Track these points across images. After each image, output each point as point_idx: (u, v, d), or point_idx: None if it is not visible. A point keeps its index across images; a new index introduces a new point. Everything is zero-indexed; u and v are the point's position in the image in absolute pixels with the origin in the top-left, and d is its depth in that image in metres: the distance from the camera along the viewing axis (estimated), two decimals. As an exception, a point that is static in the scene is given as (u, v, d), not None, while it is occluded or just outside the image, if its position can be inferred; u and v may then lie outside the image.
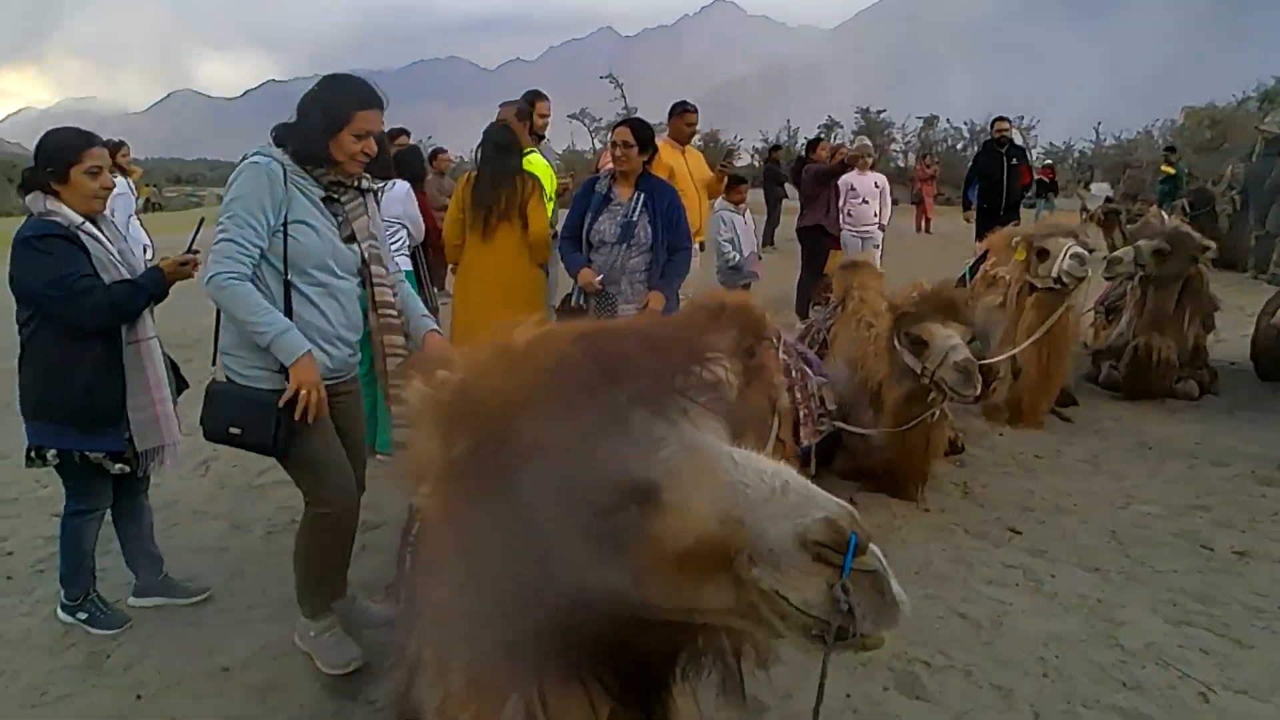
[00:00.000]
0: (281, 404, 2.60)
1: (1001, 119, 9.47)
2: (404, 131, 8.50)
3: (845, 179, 8.56)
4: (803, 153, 12.11)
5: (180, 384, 3.36)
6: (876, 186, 8.64)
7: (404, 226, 4.91)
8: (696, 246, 6.04)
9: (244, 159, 2.69)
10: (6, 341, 3.28)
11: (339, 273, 2.78)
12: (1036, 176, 20.24)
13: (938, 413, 4.08)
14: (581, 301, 4.38)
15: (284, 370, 2.64)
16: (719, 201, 7.23)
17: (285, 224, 2.64)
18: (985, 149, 9.60)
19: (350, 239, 2.81)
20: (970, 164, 10.80)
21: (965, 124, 35.83)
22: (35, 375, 2.96)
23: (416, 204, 5.12)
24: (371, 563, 3.58)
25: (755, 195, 12.33)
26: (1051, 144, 36.15)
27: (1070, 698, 2.76)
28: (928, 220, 20.33)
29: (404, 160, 5.68)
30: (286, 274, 2.68)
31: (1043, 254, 5.24)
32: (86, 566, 3.24)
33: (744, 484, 1.14)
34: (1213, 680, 2.83)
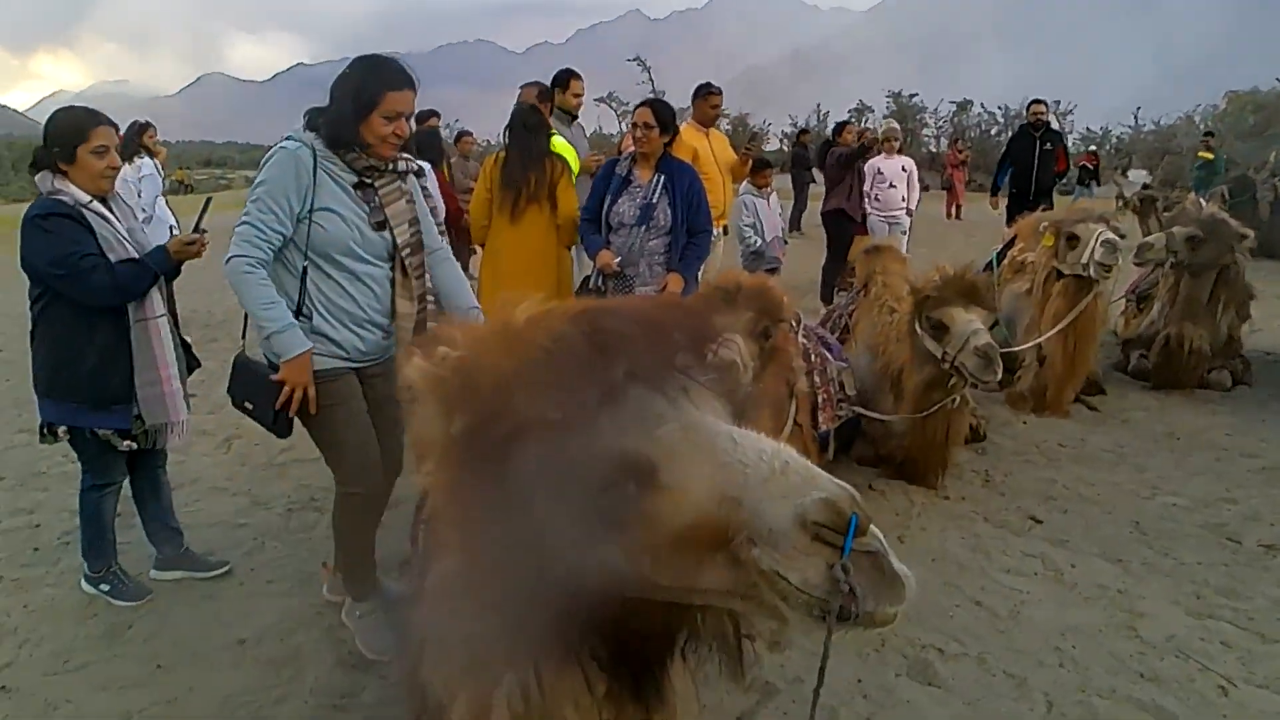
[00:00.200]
0: (278, 405, 2.64)
1: (1037, 102, 9.23)
2: (434, 113, 8.47)
3: (872, 163, 8.44)
4: (830, 136, 11.97)
5: (191, 362, 3.38)
6: (904, 170, 8.50)
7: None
8: (719, 231, 6.01)
9: (278, 144, 2.69)
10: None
11: (367, 258, 2.75)
12: (1079, 163, 19.89)
13: (958, 399, 4.02)
14: (600, 283, 4.36)
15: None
16: (744, 185, 7.17)
17: (311, 211, 2.64)
18: (1020, 133, 9.38)
19: (382, 225, 2.76)
20: (1004, 148, 10.59)
21: (999, 109, 35.25)
22: (46, 353, 3.00)
23: (436, 184, 5.12)
24: (390, 540, 3.60)
25: (783, 180, 12.25)
26: (1088, 129, 35.47)
27: (1086, 688, 2.73)
28: (958, 207, 20.02)
29: (422, 143, 5.68)
30: (305, 261, 2.69)
31: (1072, 240, 5.13)
32: (107, 539, 3.30)
33: (743, 463, 1.13)
34: (1233, 674, 2.78)
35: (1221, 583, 3.39)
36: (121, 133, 7.16)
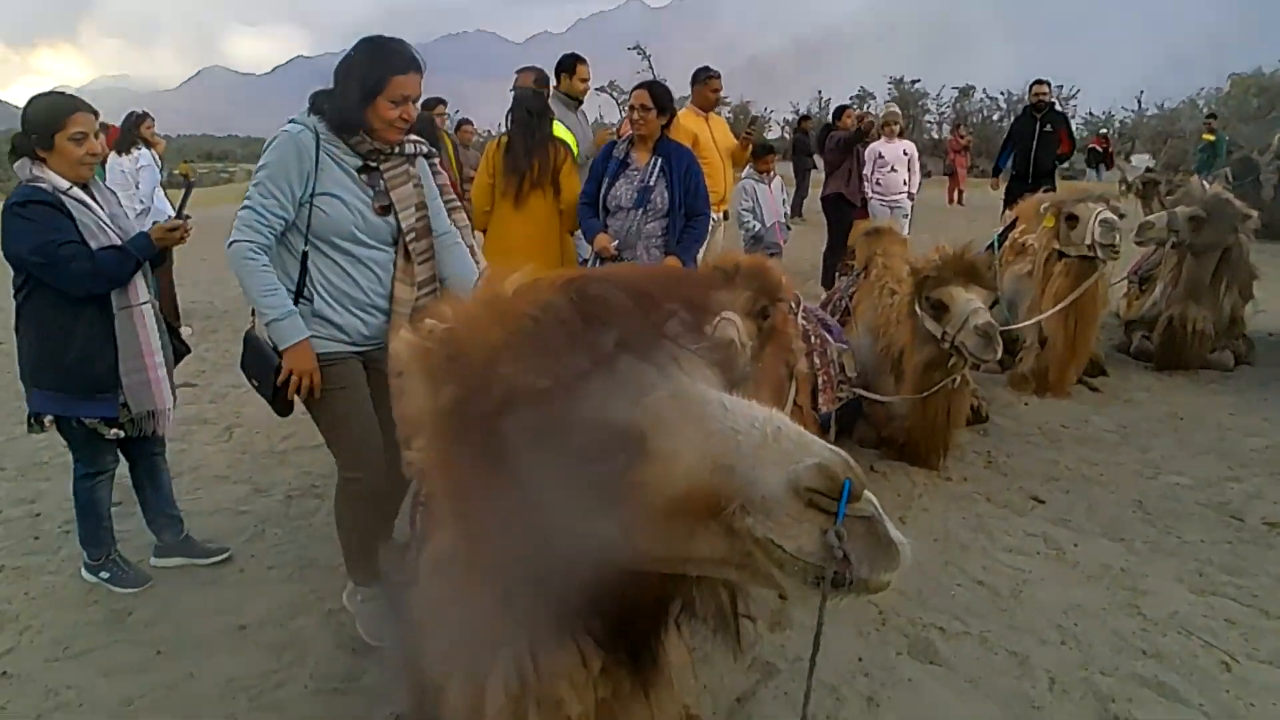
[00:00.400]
0: (279, 383, 2.63)
1: (1040, 82, 9.10)
2: (441, 101, 8.37)
3: (873, 147, 8.39)
4: (829, 120, 11.91)
5: (180, 348, 3.36)
6: (905, 154, 8.45)
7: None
8: (719, 216, 5.98)
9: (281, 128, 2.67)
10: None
11: (370, 243, 2.72)
12: (1089, 146, 19.77)
13: (959, 379, 4.00)
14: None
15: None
16: (746, 170, 7.15)
17: (313, 196, 2.61)
18: (1022, 114, 9.30)
19: (386, 209, 2.73)
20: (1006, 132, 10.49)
21: (1002, 94, 35.11)
22: (30, 342, 2.98)
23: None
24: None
25: (784, 168, 12.18)
26: (1091, 114, 35.32)
27: (1088, 665, 2.71)
28: (960, 192, 19.95)
29: (419, 131, 5.64)
30: (306, 245, 2.66)
31: (1072, 220, 5.10)
32: (105, 527, 3.30)
33: (734, 430, 1.11)
34: (1236, 650, 2.77)
35: (1225, 560, 3.38)
36: (120, 125, 7.16)
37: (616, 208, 4.32)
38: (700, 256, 4.63)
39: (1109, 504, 3.92)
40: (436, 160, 3.06)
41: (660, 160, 4.28)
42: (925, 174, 10.15)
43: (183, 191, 3.28)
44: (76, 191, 2.92)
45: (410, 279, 2.81)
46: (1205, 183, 6.88)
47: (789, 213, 8.23)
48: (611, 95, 33.67)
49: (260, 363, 2.72)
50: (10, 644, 2.96)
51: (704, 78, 6.22)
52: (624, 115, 6.28)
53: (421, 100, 3.04)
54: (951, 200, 19.60)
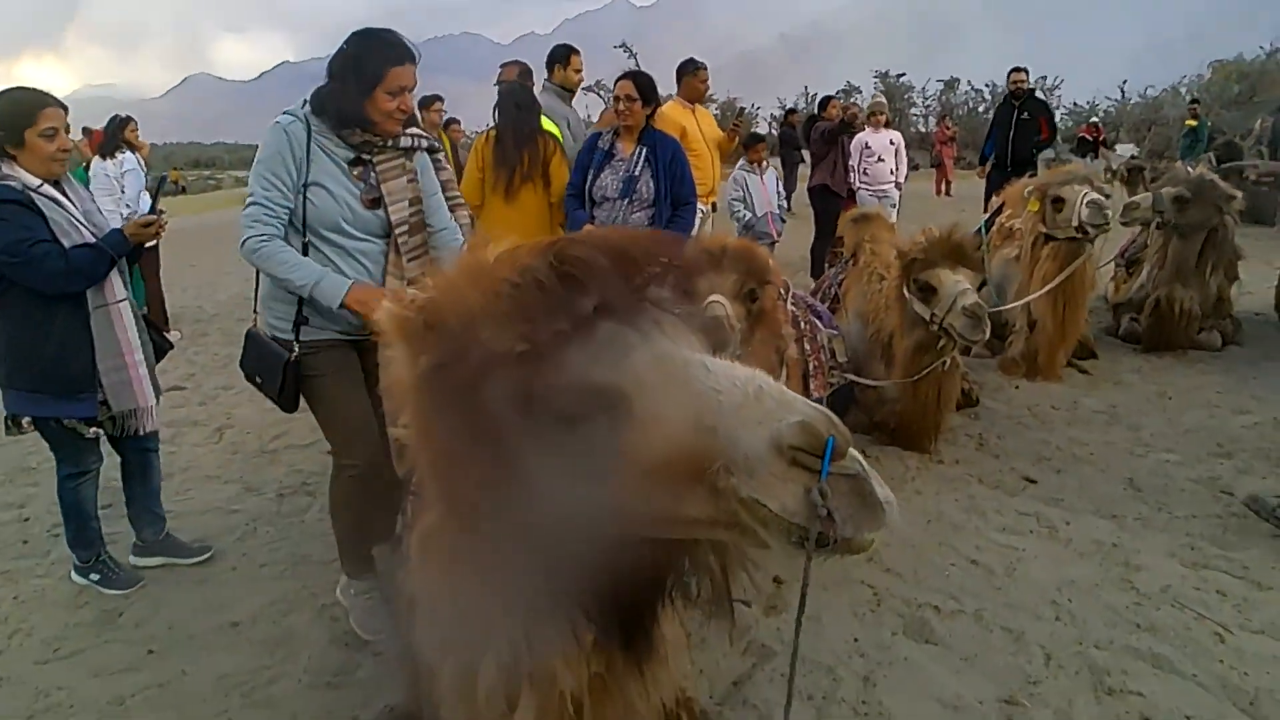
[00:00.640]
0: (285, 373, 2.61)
1: (1018, 70, 9.11)
2: (438, 98, 8.31)
3: (860, 137, 8.40)
4: (814, 111, 11.92)
5: (162, 344, 3.33)
6: (892, 144, 8.46)
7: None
8: (708, 208, 5.96)
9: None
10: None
11: (358, 235, 2.70)
12: (1078, 135, 19.81)
13: (949, 362, 4.01)
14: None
15: (297, 324, 2.67)
16: (740, 162, 7.15)
17: (305, 186, 2.61)
18: (1002, 102, 9.34)
19: (376, 202, 2.71)
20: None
21: (987, 85, 35.22)
22: (6, 342, 2.93)
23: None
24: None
25: (772, 162, 12.16)
26: (1075, 104, 35.44)
27: (1083, 639, 2.71)
28: (948, 183, 20.00)
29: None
30: (305, 235, 2.65)
31: (1057, 203, 5.11)
32: (93, 528, 3.27)
33: (716, 390, 1.10)
34: (1229, 621, 2.78)
35: (1216, 534, 3.39)
36: (103, 129, 7.11)
37: (602, 198, 4.30)
38: (688, 247, 4.62)
39: (1100, 482, 3.92)
40: (440, 155, 3.03)
41: (645, 150, 4.26)
42: (913, 167, 10.15)
43: (154, 187, 3.23)
44: (47, 189, 2.87)
45: (400, 274, 2.78)
46: (1189, 168, 6.92)
47: (784, 204, 8.22)
48: (599, 95, 33.60)
49: (265, 358, 2.71)
50: (-1, 647, 2.93)
51: (691, 69, 6.20)
52: (608, 106, 6.25)
53: (419, 98, 3.02)
54: (939, 192, 19.64)
